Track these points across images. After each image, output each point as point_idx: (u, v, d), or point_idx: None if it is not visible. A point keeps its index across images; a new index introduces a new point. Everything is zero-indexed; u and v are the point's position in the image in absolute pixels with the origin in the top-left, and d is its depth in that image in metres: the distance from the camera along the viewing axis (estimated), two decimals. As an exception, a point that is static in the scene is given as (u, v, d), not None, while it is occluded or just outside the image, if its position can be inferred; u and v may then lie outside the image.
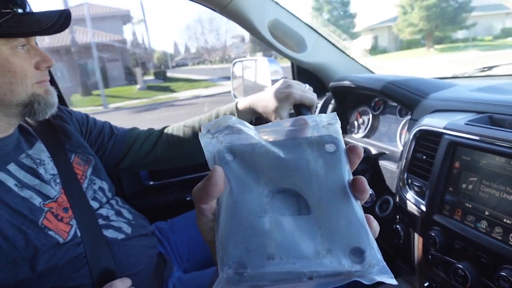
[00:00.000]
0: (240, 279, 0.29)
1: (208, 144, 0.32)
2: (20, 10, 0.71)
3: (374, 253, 0.29)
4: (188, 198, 1.42)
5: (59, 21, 0.72)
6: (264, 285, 0.29)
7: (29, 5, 0.74)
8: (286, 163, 0.31)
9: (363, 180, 0.31)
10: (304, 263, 0.29)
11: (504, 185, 0.62)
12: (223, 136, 0.32)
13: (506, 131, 0.64)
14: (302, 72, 1.47)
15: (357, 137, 1.23)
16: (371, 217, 0.32)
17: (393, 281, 0.29)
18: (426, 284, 0.78)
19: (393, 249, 0.86)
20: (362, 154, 0.32)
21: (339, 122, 0.32)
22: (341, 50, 1.41)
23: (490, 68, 1.29)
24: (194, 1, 1.17)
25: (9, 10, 0.69)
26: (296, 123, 0.33)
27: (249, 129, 0.32)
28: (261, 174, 0.31)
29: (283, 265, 0.29)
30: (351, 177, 0.31)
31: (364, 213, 0.31)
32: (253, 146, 0.32)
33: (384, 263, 0.29)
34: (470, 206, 0.67)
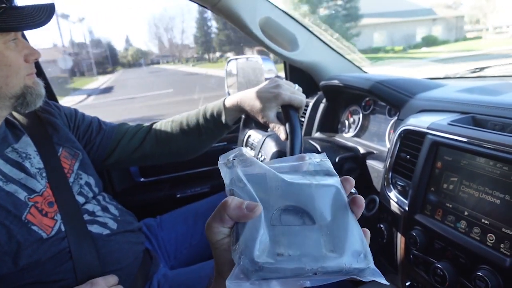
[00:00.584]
0: (254, 270, 0.33)
1: (226, 172, 0.40)
2: (13, 4, 0.72)
3: (369, 256, 0.36)
4: (178, 195, 1.43)
5: (50, 15, 0.74)
6: (273, 279, 0.34)
7: (15, 1, 0.75)
8: (292, 186, 0.38)
9: (362, 198, 0.38)
10: (310, 260, 0.34)
11: (483, 186, 0.62)
12: (237, 161, 0.40)
13: (487, 132, 0.65)
14: (294, 71, 1.47)
15: (347, 137, 1.23)
16: (367, 230, 0.39)
17: (384, 281, 0.35)
18: (407, 284, 0.78)
19: (377, 248, 0.87)
20: (354, 183, 0.41)
21: (328, 160, 0.42)
22: (334, 49, 1.41)
23: (481, 69, 1.29)
24: (186, -2, 1.17)
25: (3, 5, 0.69)
26: (297, 159, 0.42)
27: (258, 161, 0.40)
28: (271, 193, 0.38)
29: (291, 261, 0.34)
30: (347, 198, 0.39)
31: None
32: (263, 171, 0.39)
33: (376, 268, 0.36)
34: (450, 206, 0.67)
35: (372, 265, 0.35)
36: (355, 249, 0.35)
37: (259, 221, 0.36)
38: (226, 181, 0.39)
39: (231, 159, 0.40)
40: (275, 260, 0.34)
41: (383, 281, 0.35)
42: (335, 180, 0.40)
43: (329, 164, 0.42)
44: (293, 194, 0.38)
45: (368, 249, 0.36)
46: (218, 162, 0.40)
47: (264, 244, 0.34)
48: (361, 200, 0.38)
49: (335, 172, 0.41)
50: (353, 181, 0.40)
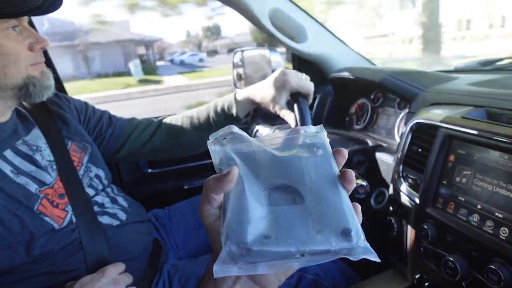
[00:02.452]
0: (241, 254, 0.33)
1: (215, 150, 0.38)
2: None
3: (359, 233, 0.34)
4: (185, 187, 1.43)
5: (48, 1, 0.70)
6: (261, 262, 0.33)
7: None
8: (281, 161, 0.37)
9: (352, 172, 0.37)
10: (297, 242, 0.33)
11: (497, 179, 0.62)
12: (227, 141, 0.38)
13: (502, 125, 0.64)
14: (303, 63, 1.46)
15: (356, 129, 1.23)
16: (358, 205, 0.37)
17: (376, 259, 0.34)
18: (417, 276, 0.78)
19: (387, 240, 0.87)
20: (347, 155, 0.39)
21: (325, 131, 0.40)
22: (343, 41, 1.39)
23: (492, 62, 1.27)
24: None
25: None
26: (290, 133, 0.39)
27: (249, 137, 0.39)
28: (260, 170, 0.37)
29: (278, 243, 0.33)
30: (338, 171, 0.37)
31: (360, 204, 0.37)
32: (253, 148, 0.38)
33: (368, 244, 0.34)
34: (463, 199, 0.67)
35: (362, 242, 0.34)
36: (344, 227, 0.34)
37: (246, 202, 0.35)
38: (215, 160, 0.38)
39: (221, 137, 0.38)
40: (262, 243, 0.33)
41: (374, 258, 0.34)
42: (327, 153, 0.38)
43: (324, 136, 0.40)
44: (283, 170, 0.37)
45: (358, 226, 0.35)
46: (207, 141, 0.39)
47: (251, 227, 0.34)
48: (351, 174, 0.36)
49: (328, 144, 0.39)
50: (345, 152, 0.39)
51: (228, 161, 0.37)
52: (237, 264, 0.33)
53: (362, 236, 0.34)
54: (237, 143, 0.38)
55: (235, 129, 0.38)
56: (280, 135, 0.40)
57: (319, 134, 0.39)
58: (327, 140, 0.39)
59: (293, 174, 0.36)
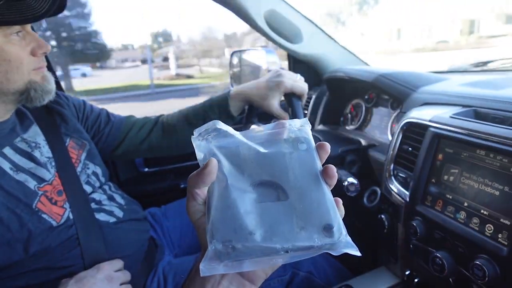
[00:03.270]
0: (226, 252, 0.33)
1: (200, 145, 0.38)
2: None
3: (341, 228, 0.35)
4: (182, 186, 1.44)
5: (52, 6, 0.71)
6: (246, 259, 0.34)
7: None
8: (266, 157, 0.38)
9: (333, 167, 0.37)
10: (281, 239, 0.34)
11: (483, 177, 0.63)
12: (212, 137, 0.38)
13: (488, 125, 0.66)
14: (298, 63, 1.47)
15: (350, 129, 1.24)
16: (339, 199, 0.38)
17: (357, 253, 0.34)
18: (407, 273, 0.80)
19: (378, 238, 0.88)
20: (329, 150, 0.39)
21: (310, 125, 0.40)
22: (337, 42, 1.41)
23: (485, 63, 1.29)
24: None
25: None
26: (275, 127, 0.39)
27: (234, 132, 0.39)
28: (244, 167, 0.37)
29: (263, 240, 0.34)
30: (321, 167, 0.38)
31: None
32: (237, 144, 0.38)
33: (349, 239, 0.35)
34: (450, 197, 0.69)
35: (343, 237, 0.35)
36: (326, 223, 0.34)
37: (229, 199, 0.35)
38: (199, 156, 0.38)
39: (205, 133, 0.38)
40: (247, 240, 0.34)
41: (356, 252, 0.34)
42: (310, 148, 0.38)
43: (308, 130, 0.40)
44: (267, 166, 0.37)
45: (340, 221, 0.35)
46: (192, 136, 0.39)
47: (236, 224, 0.34)
48: (332, 170, 0.37)
49: (312, 138, 0.39)
50: (328, 147, 0.39)
51: (212, 157, 0.37)
52: (223, 262, 0.34)
53: (344, 231, 0.35)
54: (222, 139, 0.38)
55: (220, 124, 0.38)
56: (266, 129, 0.40)
57: (303, 128, 0.40)
58: (311, 134, 0.39)
59: (277, 170, 0.37)
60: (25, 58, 0.71)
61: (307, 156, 0.38)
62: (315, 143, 0.39)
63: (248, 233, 0.34)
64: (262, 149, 0.38)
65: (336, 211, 0.36)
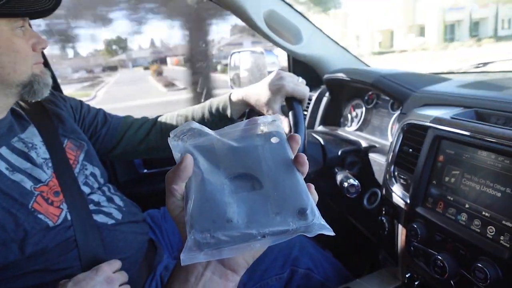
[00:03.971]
0: (206, 241, 0.35)
1: (176, 146, 0.40)
2: None
3: (314, 211, 0.37)
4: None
5: (58, 3, 0.74)
6: (225, 247, 0.35)
7: None
8: (239, 151, 0.40)
9: (303, 156, 0.39)
10: (257, 225, 0.36)
11: (485, 179, 0.63)
12: (187, 137, 0.40)
13: (490, 126, 0.65)
14: (298, 64, 1.47)
15: (350, 130, 1.24)
16: (312, 185, 0.40)
17: (331, 233, 0.36)
18: (408, 275, 0.79)
19: (379, 240, 0.88)
20: (300, 141, 0.41)
21: (281, 119, 0.43)
22: (337, 43, 1.41)
23: (485, 64, 1.29)
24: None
25: None
26: (248, 123, 0.42)
27: (209, 131, 0.41)
28: (220, 162, 0.39)
29: (240, 227, 0.36)
30: (292, 156, 0.40)
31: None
32: (212, 141, 0.40)
33: (323, 221, 0.37)
34: (451, 199, 0.68)
35: (317, 219, 0.36)
36: (300, 207, 0.36)
37: (206, 191, 0.37)
38: (176, 155, 0.40)
39: (180, 133, 0.40)
40: (224, 228, 0.35)
41: (329, 232, 0.36)
42: (282, 140, 0.40)
43: (279, 124, 0.42)
44: (242, 159, 0.39)
45: (313, 205, 0.37)
46: (168, 138, 0.40)
47: (213, 214, 0.36)
48: (303, 157, 0.39)
49: (283, 132, 0.41)
50: (298, 138, 0.41)
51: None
52: (203, 251, 0.35)
53: (317, 213, 0.37)
54: (197, 138, 0.40)
55: (194, 124, 0.40)
56: (239, 127, 0.42)
57: (275, 122, 0.42)
58: (282, 128, 0.42)
59: (251, 162, 0.39)
60: (29, 51, 0.74)
61: (278, 147, 0.40)
62: (293, 134, 0.42)
63: (225, 221, 0.36)
64: (235, 144, 0.40)
65: (308, 195, 0.37)
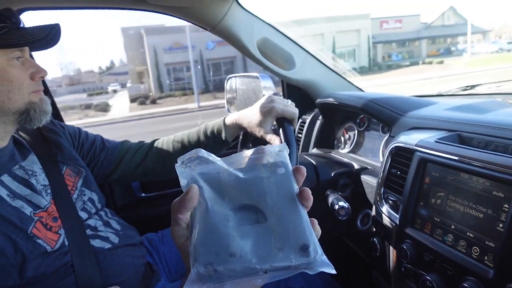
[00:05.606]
0: (208, 275, 0.35)
1: (183, 173, 0.41)
2: (15, 26, 0.76)
3: (316, 248, 0.37)
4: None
5: (50, 34, 0.78)
6: (227, 281, 0.36)
7: (23, 22, 0.80)
8: (245, 183, 0.40)
9: (308, 190, 0.40)
10: (260, 260, 0.36)
11: (468, 200, 0.65)
12: (195, 165, 0.41)
13: (470, 150, 0.68)
14: (291, 89, 1.51)
15: (343, 152, 1.27)
16: (315, 220, 0.40)
17: (333, 271, 0.36)
18: (400, 296, 0.80)
19: (372, 261, 0.89)
20: (305, 173, 0.42)
21: (288, 150, 0.43)
22: (330, 68, 1.45)
23: (472, 86, 1.33)
24: (187, 20, 1.22)
25: (5, 24, 0.74)
26: (255, 152, 0.42)
27: (216, 159, 0.41)
28: (225, 192, 0.40)
29: (243, 262, 0.36)
30: (298, 190, 0.40)
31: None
32: (218, 171, 0.41)
33: (325, 258, 0.37)
34: (438, 220, 0.70)
35: (319, 256, 0.37)
36: (302, 243, 0.36)
37: (210, 223, 0.37)
38: (182, 182, 0.40)
39: (188, 161, 0.41)
40: (227, 262, 0.36)
41: (331, 271, 0.36)
42: (288, 172, 0.41)
43: (286, 155, 0.42)
44: (247, 191, 0.39)
45: (316, 241, 0.37)
46: (175, 164, 0.41)
47: (217, 247, 0.36)
48: (307, 192, 0.39)
49: (289, 163, 0.42)
50: (304, 171, 0.41)
51: (194, 183, 0.40)
52: (205, 284, 0.35)
53: (320, 251, 0.37)
54: (204, 166, 0.41)
55: (202, 152, 0.41)
56: (246, 155, 0.42)
57: (281, 152, 0.42)
58: (288, 159, 0.42)
59: (256, 194, 0.39)
60: (26, 80, 0.78)
61: (284, 180, 0.40)
62: (299, 167, 0.41)
63: (229, 255, 0.36)
64: (241, 175, 0.40)
65: (311, 231, 0.38)
